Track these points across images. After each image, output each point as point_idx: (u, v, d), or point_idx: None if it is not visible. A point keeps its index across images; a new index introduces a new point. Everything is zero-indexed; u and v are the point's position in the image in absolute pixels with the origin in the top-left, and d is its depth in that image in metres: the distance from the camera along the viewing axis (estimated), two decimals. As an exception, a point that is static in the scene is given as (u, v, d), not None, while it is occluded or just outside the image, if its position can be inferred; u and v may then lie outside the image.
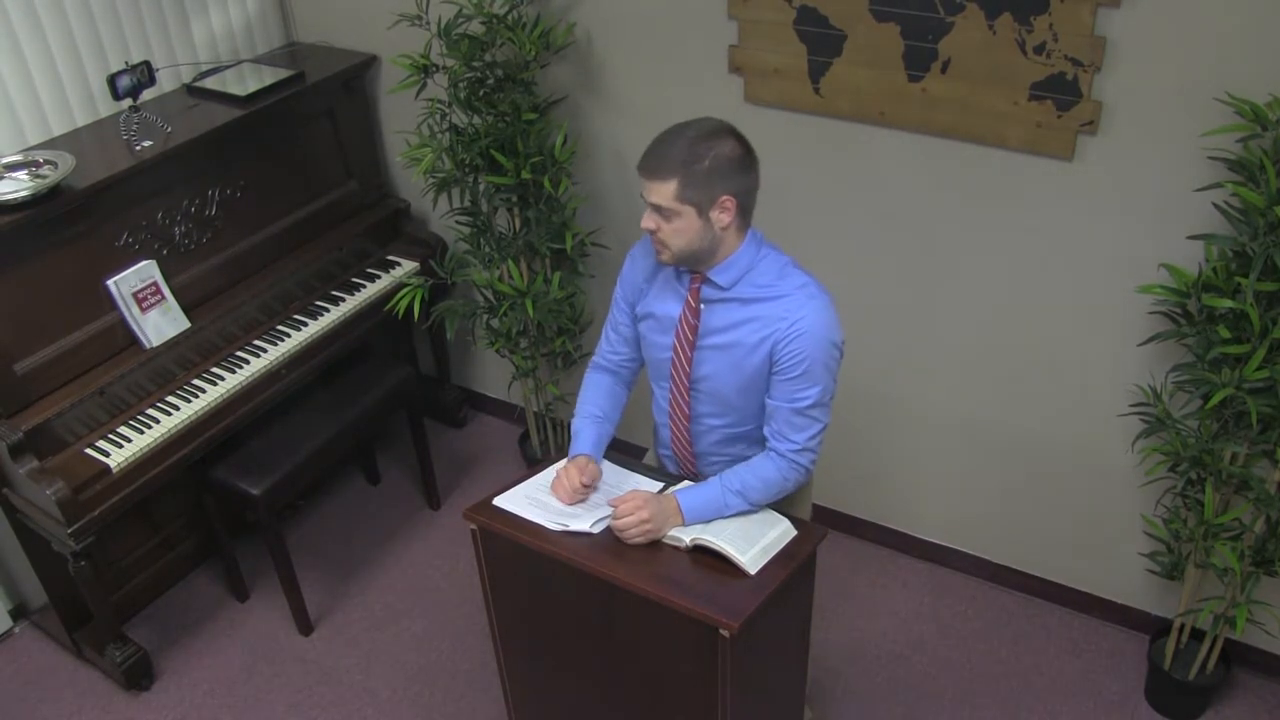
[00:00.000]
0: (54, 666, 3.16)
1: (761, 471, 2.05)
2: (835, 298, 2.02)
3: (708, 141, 1.89)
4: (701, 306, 2.04)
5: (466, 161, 3.01)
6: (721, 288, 2.00)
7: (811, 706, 2.65)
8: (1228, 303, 2.24)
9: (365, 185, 3.57)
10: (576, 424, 2.24)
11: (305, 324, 3.25)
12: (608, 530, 2.05)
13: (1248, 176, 2.19)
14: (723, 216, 1.92)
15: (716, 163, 1.88)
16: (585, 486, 2.12)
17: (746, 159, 1.94)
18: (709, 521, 2.04)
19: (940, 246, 2.79)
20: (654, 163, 1.91)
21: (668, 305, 2.09)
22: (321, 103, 3.37)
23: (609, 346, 2.28)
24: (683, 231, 1.93)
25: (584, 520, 2.06)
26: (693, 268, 2.01)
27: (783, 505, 2.15)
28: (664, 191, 1.89)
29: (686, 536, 2.00)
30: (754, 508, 2.06)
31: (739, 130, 1.96)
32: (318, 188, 3.43)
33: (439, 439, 3.90)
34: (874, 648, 3.06)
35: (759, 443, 2.12)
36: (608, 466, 2.23)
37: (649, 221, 1.95)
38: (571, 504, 2.11)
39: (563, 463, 2.25)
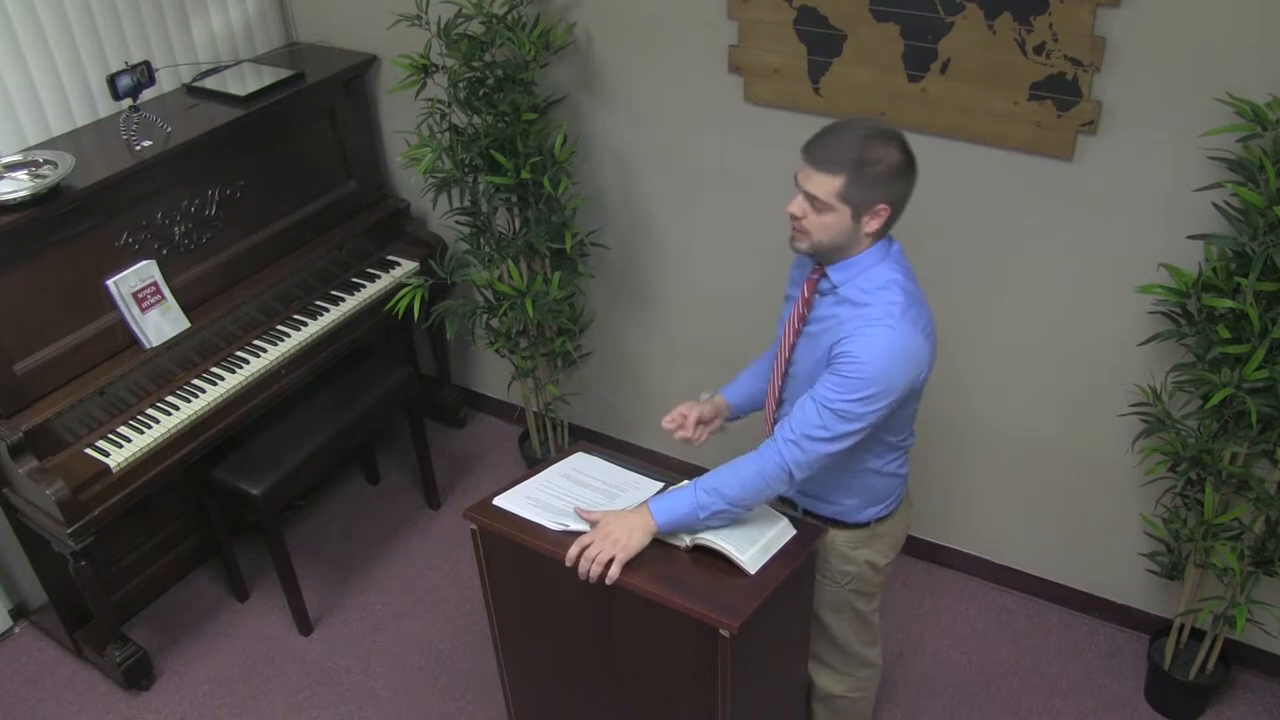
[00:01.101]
0: (54, 666, 3.16)
1: (738, 465, 1.97)
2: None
3: (881, 145, 1.83)
4: (815, 298, 2.01)
5: (466, 161, 3.01)
6: (833, 283, 1.96)
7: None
8: (1228, 303, 2.24)
9: (365, 185, 3.57)
10: (741, 372, 2.30)
11: (305, 324, 3.25)
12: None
13: (1247, 176, 2.19)
14: (873, 223, 1.88)
15: (887, 168, 1.83)
16: (699, 423, 2.20)
17: (910, 169, 1.89)
18: (688, 530, 1.99)
19: (940, 247, 2.79)
20: (825, 154, 1.84)
21: (796, 289, 2.08)
22: (321, 103, 3.37)
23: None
24: (829, 227, 1.88)
25: (584, 521, 2.06)
26: (819, 259, 1.98)
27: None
28: (827, 185, 1.84)
29: (687, 536, 1.99)
30: (732, 507, 1.96)
31: (904, 138, 1.90)
32: (318, 188, 3.43)
33: (439, 439, 3.90)
34: (874, 648, 3.06)
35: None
36: (606, 466, 2.23)
37: (796, 207, 1.89)
38: (673, 426, 2.15)
39: (564, 463, 2.26)
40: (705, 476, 1.99)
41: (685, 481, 2.05)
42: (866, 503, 2.14)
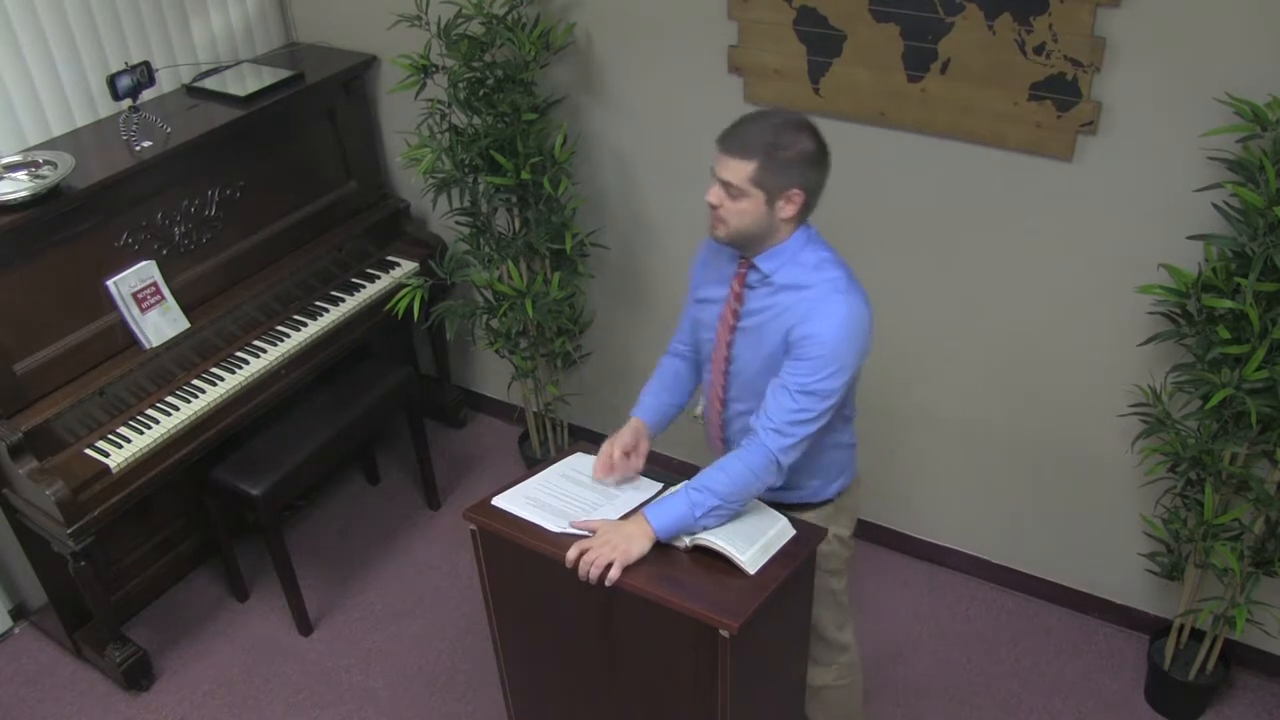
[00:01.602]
0: (54, 666, 3.16)
1: (725, 462, 2.00)
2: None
3: (793, 132, 1.90)
4: (745, 291, 2.05)
5: (466, 162, 3.01)
6: (763, 274, 2.01)
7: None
8: (1227, 303, 2.24)
9: (365, 185, 3.57)
10: (641, 394, 2.28)
11: (305, 324, 3.25)
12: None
13: (1247, 177, 2.19)
14: (787, 208, 1.94)
15: (799, 154, 1.90)
16: (624, 455, 2.15)
17: (822, 158, 1.95)
18: (686, 532, 1.99)
19: (940, 247, 2.80)
20: (737, 141, 1.91)
21: (719, 289, 2.11)
22: (321, 103, 3.37)
23: (678, 336, 2.32)
24: (745, 213, 1.93)
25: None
26: (742, 251, 2.03)
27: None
28: (740, 171, 1.90)
29: (686, 536, 1.99)
30: (725, 503, 1.98)
31: (817, 129, 1.96)
32: (317, 188, 3.43)
33: (439, 439, 3.90)
34: (874, 648, 3.05)
35: None
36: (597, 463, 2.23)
37: (714, 196, 1.95)
38: (606, 477, 2.13)
39: (562, 463, 2.26)
40: (696, 477, 2.01)
41: (677, 486, 2.06)
42: (830, 479, 2.23)
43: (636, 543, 1.95)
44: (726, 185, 1.92)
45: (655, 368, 2.34)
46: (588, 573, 1.93)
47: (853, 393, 2.13)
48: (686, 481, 2.02)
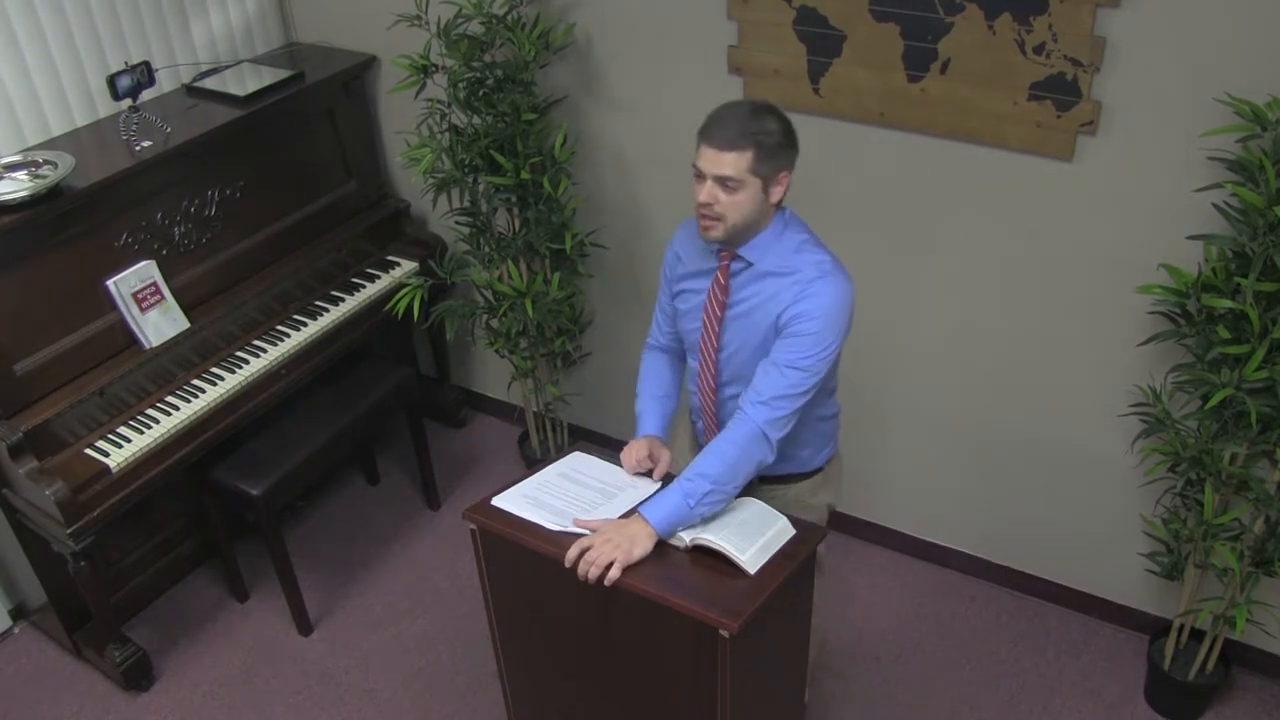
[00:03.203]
0: (54, 667, 3.16)
1: (714, 444, 2.02)
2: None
3: (770, 116, 1.94)
4: (730, 281, 2.08)
5: (466, 162, 3.01)
6: (748, 262, 2.04)
7: (810, 686, 2.62)
8: (1227, 303, 2.24)
9: (365, 186, 3.57)
10: (639, 405, 2.30)
11: (305, 324, 3.25)
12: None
13: (1247, 177, 2.19)
14: (777, 191, 1.98)
15: (781, 137, 1.95)
16: (650, 459, 2.18)
17: (795, 137, 2.00)
18: (685, 523, 1.99)
19: (940, 247, 2.80)
20: (729, 135, 1.91)
21: (699, 281, 2.14)
22: (321, 103, 3.37)
23: (658, 328, 2.34)
24: (742, 205, 1.95)
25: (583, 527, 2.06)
26: (731, 246, 2.04)
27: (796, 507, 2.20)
28: (738, 163, 1.91)
29: (686, 536, 1.99)
30: (718, 486, 1.98)
31: (779, 109, 2.01)
32: (317, 188, 3.43)
33: (438, 439, 3.90)
34: (874, 648, 3.06)
35: None
36: (604, 466, 2.23)
37: (706, 195, 1.95)
38: (635, 475, 2.15)
39: (561, 463, 2.26)
40: (687, 468, 2.02)
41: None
42: (819, 448, 2.28)
43: (639, 543, 1.95)
44: (723, 180, 1.93)
45: (641, 365, 2.36)
46: (587, 572, 1.93)
47: (835, 366, 2.16)
48: (680, 474, 2.03)
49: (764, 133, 1.92)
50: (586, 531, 2.02)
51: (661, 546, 2.00)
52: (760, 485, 2.23)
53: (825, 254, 2.03)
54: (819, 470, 2.31)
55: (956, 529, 3.23)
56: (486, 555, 2.18)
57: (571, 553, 1.95)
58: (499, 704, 2.57)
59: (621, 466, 2.23)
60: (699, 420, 2.32)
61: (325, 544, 3.54)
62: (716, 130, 1.93)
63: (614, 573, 1.91)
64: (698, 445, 2.26)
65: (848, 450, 3.24)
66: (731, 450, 1.99)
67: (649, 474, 2.20)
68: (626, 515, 2.05)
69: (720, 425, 2.24)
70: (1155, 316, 2.51)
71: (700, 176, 1.96)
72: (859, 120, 2.72)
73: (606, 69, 3.05)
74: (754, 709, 2.11)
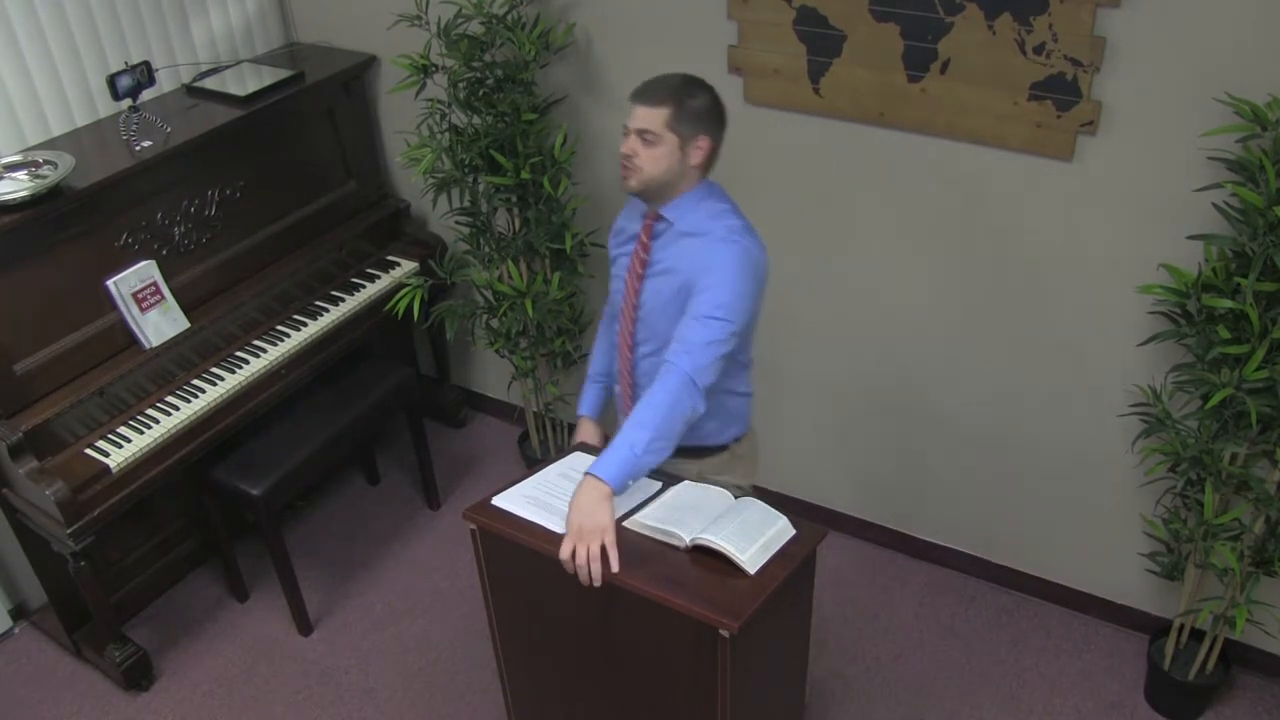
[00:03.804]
0: (54, 666, 3.16)
1: (646, 397, 2.06)
2: (774, 255, 2.19)
3: (699, 86, 2.12)
4: (651, 241, 2.21)
5: (466, 162, 3.01)
6: (669, 222, 2.17)
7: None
8: (1227, 303, 2.24)
9: (365, 185, 3.57)
10: (584, 388, 2.50)
11: (305, 324, 3.25)
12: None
13: (1247, 177, 2.19)
14: (695, 154, 2.11)
15: (705, 106, 2.11)
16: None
17: (723, 114, 2.16)
18: (635, 474, 2.00)
19: (940, 247, 2.79)
20: (653, 92, 2.09)
21: (630, 245, 2.29)
22: (321, 103, 3.37)
23: (608, 300, 2.45)
24: (659, 159, 2.09)
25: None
26: (650, 201, 2.19)
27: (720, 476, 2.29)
28: (656, 117, 2.07)
29: (687, 536, 2.00)
30: (659, 433, 2.00)
31: (716, 91, 2.15)
32: (317, 188, 3.43)
33: (439, 439, 3.90)
34: (874, 648, 3.06)
35: None
36: None
37: (627, 147, 2.11)
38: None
39: (561, 463, 2.26)
40: (624, 423, 2.07)
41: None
42: (725, 424, 2.33)
43: (600, 509, 1.95)
44: (642, 133, 2.08)
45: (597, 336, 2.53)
46: (589, 575, 1.92)
47: (749, 342, 2.26)
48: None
49: (687, 95, 2.08)
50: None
51: (662, 546, 2.00)
52: (670, 458, 2.21)
53: (739, 220, 2.15)
54: (724, 448, 2.36)
55: (956, 529, 3.23)
56: (486, 555, 2.18)
57: (565, 561, 1.94)
58: (499, 704, 2.57)
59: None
60: (616, 384, 2.41)
61: (325, 544, 3.54)
62: (643, 89, 2.11)
63: (613, 559, 1.93)
64: (616, 409, 2.34)
65: (847, 451, 3.25)
66: (664, 399, 2.04)
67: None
68: (628, 516, 2.05)
69: (634, 386, 2.35)
70: (1155, 316, 2.51)
71: (627, 132, 2.11)
72: (859, 120, 2.72)
73: (606, 69, 3.05)
74: (754, 709, 2.11)
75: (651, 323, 2.24)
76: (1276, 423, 2.32)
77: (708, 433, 2.30)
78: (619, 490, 1.98)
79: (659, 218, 2.19)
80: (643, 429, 2.01)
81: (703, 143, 2.11)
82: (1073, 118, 2.44)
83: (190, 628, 3.25)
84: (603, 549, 1.92)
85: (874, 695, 2.92)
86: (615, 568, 1.92)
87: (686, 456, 2.28)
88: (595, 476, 1.97)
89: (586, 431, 2.45)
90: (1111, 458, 2.81)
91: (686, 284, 2.13)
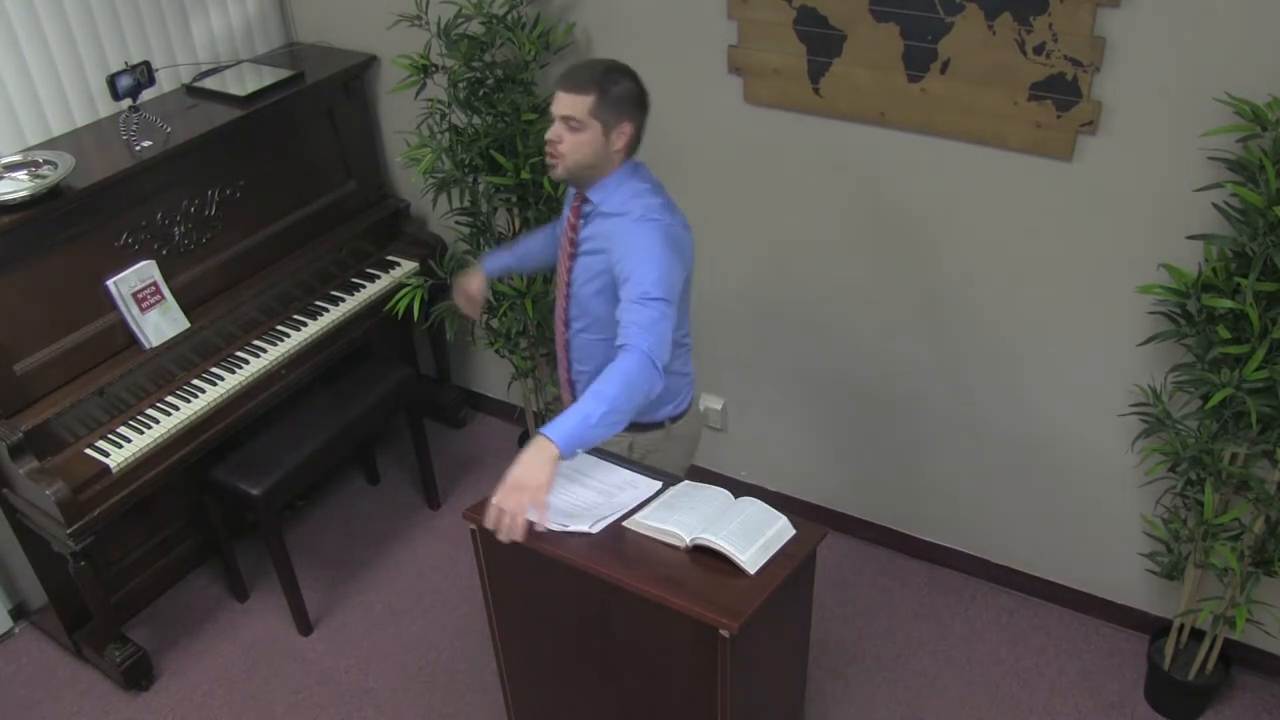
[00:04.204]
0: (54, 666, 3.16)
1: (606, 373, 2.06)
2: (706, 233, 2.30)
3: (621, 72, 2.18)
4: (580, 222, 2.28)
5: (466, 162, 3.01)
6: (594, 204, 2.25)
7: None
8: (1227, 303, 2.24)
9: (365, 185, 3.57)
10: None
11: (305, 324, 3.25)
12: (608, 530, 2.04)
13: (1247, 177, 2.19)
14: (618, 140, 2.18)
15: (627, 92, 2.17)
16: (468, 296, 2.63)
17: (645, 99, 2.22)
18: (585, 443, 2.01)
19: (940, 247, 2.79)
20: (577, 79, 2.15)
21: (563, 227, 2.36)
22: (321, 103, 3.37)
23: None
24: (583, 145, 2.16)
25: (583, 520, 2.06)
26: (577, 186, 2.27)
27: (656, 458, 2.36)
28: (580, 105, 2.13)
29: (687, 536, 2.00)
30: (614, 408, 2.01)
31: (638, 76, 2.21)
32: (317, 188, 3.43)
33: (439, 439, 3.90)
34: (874, 648, 3.06)
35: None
36: (604, 466, 2.23)
37: (553, 134, 2.18)
38: (634, 474, 2.22)
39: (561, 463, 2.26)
40: (586, 391, 2.07)
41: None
42: (661, 401, 2.35)
43: (542, 469, 1.96)
44: (567, 120, 2.14)
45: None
46: (507, 531, 1.94)
47: (684, 317, 2.32)
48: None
49: (610, 83, 2.13)
50: (587, 529, 2.02)
51: (662, 546, 2.00)
52: None
53: (657, 199, 2.21)
54: (660, 425, 2.41)
55: (956, 528, 3.23)
56: (486, 555, 2.18)
57: (489, 521, 1.96)
58: (499, 704, 2.57)
59: (621, 467, 2.23)
60: (558, 370, 2.47)
61: (325, 544, 3.54)
62: (567, 76, 2.16)
63: (543, 518, 1.97)
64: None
65: (847, 451, 3.25)
66: (624, 379, 2.05)
67: (644, 472, 2.21)
68: (624, 518, 2.05)
69: (570, 361, 2.44)
70: (1155, 316, 2.51)
71: (552, 116, 2.16)
72: (859, 120, 2.72)
73: (606, 69, 3.04)
74: (754, 709, 2.11)
75: (583, 300, 2.32)
76: (1276, 423, 2.32)
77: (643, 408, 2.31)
78: (567, 455, 1.99)
79: (585, 200, 2.27)
80: (600, 400, 2.02)
81: (626, 128, 2.17)
82: (1073, 118, 2.44)
83: (190, 628, 3.25)
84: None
85: (874, 695, 2.92)
86: (542, 528, 1.98)
87: (623, 432, 2.25)
88: (546, 437, 1.99)
89: (474, 280, 2.62)
90: (1112, 458, 2.81)
91: (610, 262, 2.20)
